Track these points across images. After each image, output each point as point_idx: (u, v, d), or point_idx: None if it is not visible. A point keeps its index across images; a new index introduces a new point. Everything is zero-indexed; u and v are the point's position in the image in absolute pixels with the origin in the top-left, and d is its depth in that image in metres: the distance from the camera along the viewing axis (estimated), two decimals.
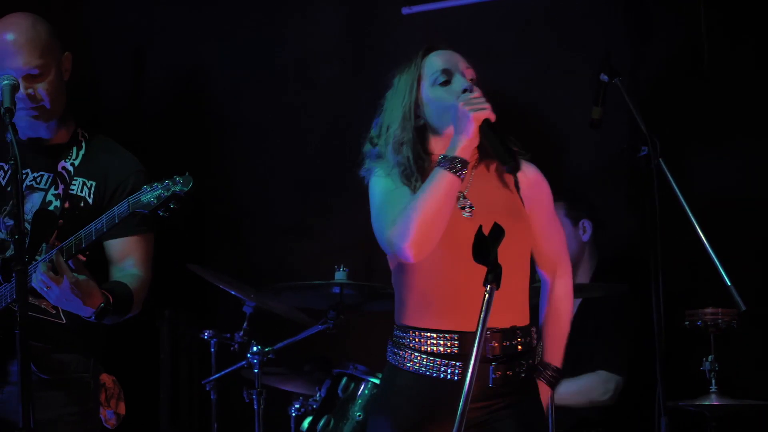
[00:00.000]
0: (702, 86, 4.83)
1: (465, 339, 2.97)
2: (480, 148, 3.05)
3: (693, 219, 3.55)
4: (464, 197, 3.06)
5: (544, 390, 3.14)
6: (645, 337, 4.25)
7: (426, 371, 3.01)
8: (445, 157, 2.96)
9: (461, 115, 2.95)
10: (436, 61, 3.12)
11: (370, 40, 5.46)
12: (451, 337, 3.00)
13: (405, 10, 5.31)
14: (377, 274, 4.92)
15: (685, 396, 4.23)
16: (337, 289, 4.41)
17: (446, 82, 3.09)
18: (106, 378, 3.53)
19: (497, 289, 2.69)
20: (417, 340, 3.03)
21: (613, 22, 5.05)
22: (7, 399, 3.32)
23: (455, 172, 2.94)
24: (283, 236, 5.52)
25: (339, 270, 4.39)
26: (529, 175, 3.18)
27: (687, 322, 3.99)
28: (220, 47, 5.67)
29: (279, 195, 5.57)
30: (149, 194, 3.18)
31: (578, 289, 4.39)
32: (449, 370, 3.00)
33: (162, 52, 5.76)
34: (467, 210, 3.04)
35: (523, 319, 3.08)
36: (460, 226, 3.00)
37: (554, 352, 3.19)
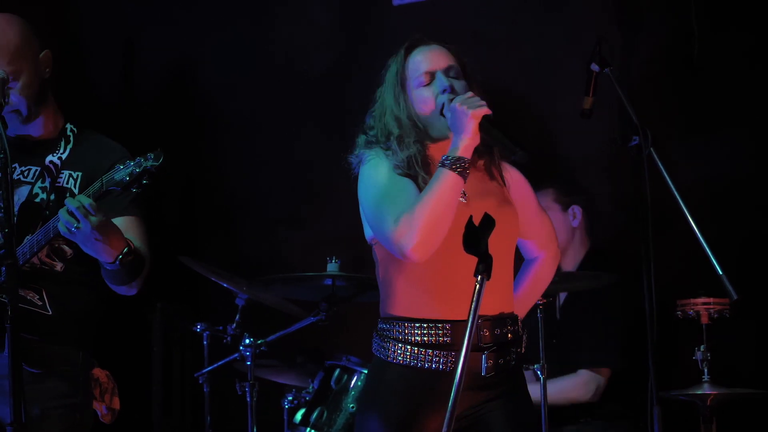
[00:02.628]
0: (692, 76, 4.83)
1: (456, 328, 2.95)
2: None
3: (684, 208, 3.55)
4: (463, 192, 3.03)
5: None
6: (636, 327, 4.27)
7: (416, 363, 2.99)
8: (448, 157, 2.94)
9: (460, 114, 2.94)
10: (417, 62, 3.11)
11: (362, 32, 5.45)
12: (442, 327, 2.98)
13: (396, 2, 5.31)
14: (369, 266, 4.91)
15: (678, 385, 4.24)
16: (329, 281, 4.40)
17: (428, 83, 3.08)
18: (99, 373, 3.52)
19: (488, 279, 2.69)
20: (406, 331, 3.01)
21: (604, 11, 5.05)
22: None
23: (460, 173, 2.93)
24: (276, 228, 5.52)
25: (331, 261, 4.39)
26: (513, 174, 3.21)
27: (679, 312, 3.98)
28: (212, 38, 5.66)
29: (271, 187, 5.56)
30: (122, 172, 3.16)
31: (565, 279, 4.41)
32: (441, 360, 2.98)
33: (153, 44, 5.75)
34: (462, 197, 3.01)
35: (509, 306, 3.09)
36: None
37: (520, 308, 3.21)
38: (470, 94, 2.99)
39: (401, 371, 3.01)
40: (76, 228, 3.15)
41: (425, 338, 2.99)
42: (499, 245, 2.93)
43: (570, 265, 4.75)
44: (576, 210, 4.78)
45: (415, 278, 3.01)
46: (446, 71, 3.09)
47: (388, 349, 3.03)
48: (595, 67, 3.84)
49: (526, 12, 5.17)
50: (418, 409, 2.98)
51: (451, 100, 3.00)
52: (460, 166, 2.92)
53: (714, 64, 4.80)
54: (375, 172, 3.07)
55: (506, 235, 3.06)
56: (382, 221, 2.97)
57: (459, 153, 2.94)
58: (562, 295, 4.74)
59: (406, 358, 3.00)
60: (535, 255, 3.29)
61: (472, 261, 2.75)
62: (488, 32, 5.11)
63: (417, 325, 3.00)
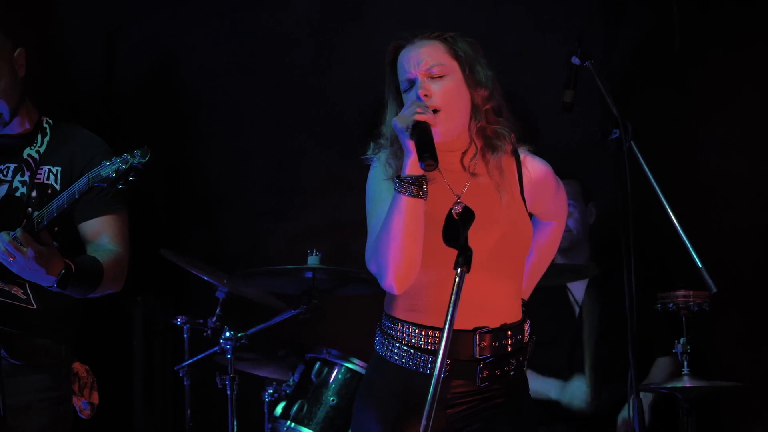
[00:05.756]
0: (674, 69, 4.84)
1: (456, 337, 2.88)
2: (482, 144, 3.00)
3: (664, 201, 3.56)
4: (459, 201, 2.97)
5: None
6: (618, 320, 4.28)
7: (412, 365, 2.97)
8: (398, 179, 2.86)
9: (396, 131, 2.86)
10: (401, 65, 3.00)
11: (344, 24, 5.45)
12: (440, 335, 2.87)
13: None
14: (350, 259, 4.92)
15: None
16: (309, 274, 4.39)
17: (410, 89, 2.97)
18: (79, 367, 3.51)
19: (468, 272, 2.68)
20: (405, 332, 2.98)
21: (586, 4, 5.05)
22: None
23: (411, 194, 2.83)
24: (257, 221, 5.51)
25: (312, 254, 4.38)
26: (531, 169, 3.10)
27: (659, 305, 3.99)
28: (194, 30, 5.64)
29: (253, 179, 5.56)
30: (108, 168, 3.16)
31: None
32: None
33: (135, 36, 5.72)
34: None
35: (514, 316, 3.03)
36: None
37: (528, 285, 3.17)
38: (409, 104, 2.87)
39: (399, 371, 2.99)
40: (12, 260, 3.20)
41: (421, 343, 2.96)
42: (504, 263, 2.94)
43: (582, 259, 4.76)
44: (592, 207, 4.81)
45: (416, 284, 2.94)
46: (428, 71, 2.96)
47: (389, 348, 3.01)
48: (575, 60, 3.83)
49: (508, 4, 5.17)
50: (412, 411, 2.94)
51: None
52: (411, 188, 2.83)
53: (695, 56, 4.81)
54: (370, 184, 3.01)
55: (512, 253, 3.00)
56: (367, 244, 2.93)
57: (407, 172, 2.83)
58: (578, 292, 4.74)
59: (403, 359, 2.98)
60: (547, 222, 3.22)
61: (476, 274, 2.74)
62: (469, 25, 5.09)
63: (415, 329, 2.97)
